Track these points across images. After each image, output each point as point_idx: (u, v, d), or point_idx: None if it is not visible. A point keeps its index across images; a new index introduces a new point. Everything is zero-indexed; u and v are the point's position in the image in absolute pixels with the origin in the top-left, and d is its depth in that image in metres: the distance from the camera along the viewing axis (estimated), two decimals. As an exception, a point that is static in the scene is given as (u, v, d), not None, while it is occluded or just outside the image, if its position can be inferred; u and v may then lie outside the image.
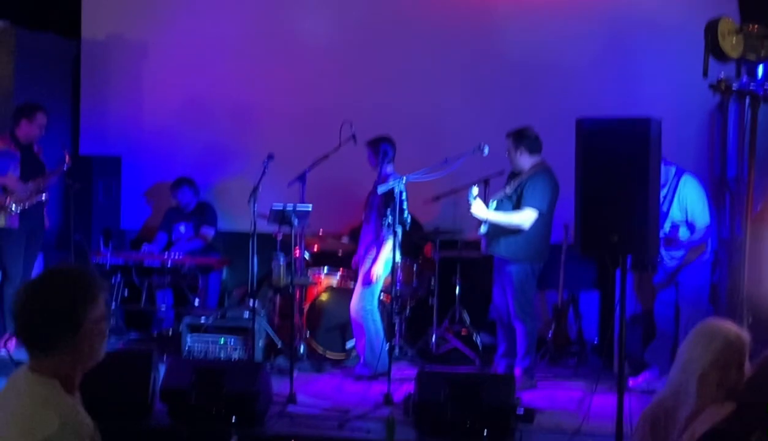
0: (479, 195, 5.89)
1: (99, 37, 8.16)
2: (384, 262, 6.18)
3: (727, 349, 2.73)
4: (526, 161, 5.98)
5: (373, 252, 6.24)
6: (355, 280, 6.42)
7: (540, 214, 5.86)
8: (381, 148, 6.26)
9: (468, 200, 5.84)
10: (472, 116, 7.27)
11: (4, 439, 2.19)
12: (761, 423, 2.54)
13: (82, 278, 2.26)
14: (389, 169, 6.28)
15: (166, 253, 7.36)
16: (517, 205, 5.92)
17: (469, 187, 5.90)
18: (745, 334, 2.79)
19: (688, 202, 5.80)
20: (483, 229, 5.98)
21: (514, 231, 5.88)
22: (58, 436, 2.16)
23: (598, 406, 5.39)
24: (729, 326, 2.80)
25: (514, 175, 6.07)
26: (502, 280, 6.05)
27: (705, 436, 2.63)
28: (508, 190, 5.96)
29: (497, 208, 5.96)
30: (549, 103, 7.11)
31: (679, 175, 5.85)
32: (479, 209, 5.87)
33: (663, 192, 5.69)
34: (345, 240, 7.31)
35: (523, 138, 5.96)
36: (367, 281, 6.21)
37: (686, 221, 5.81)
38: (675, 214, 5.81)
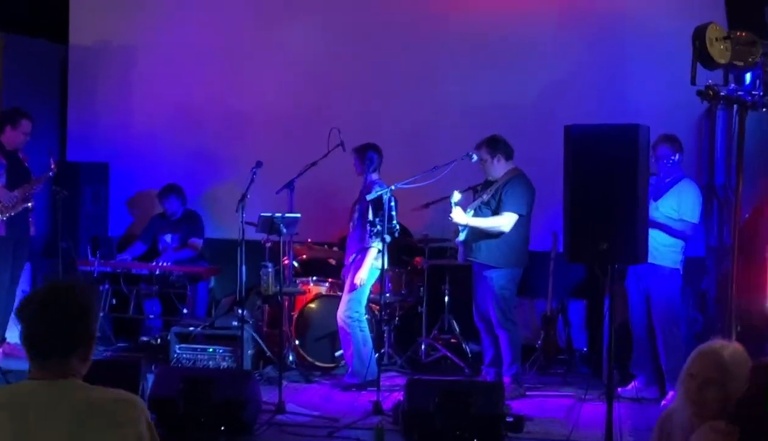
0: (462, 203, 5.88)
1: (87, 42, 8.13)
2: (369, 268, 6.16)
3: (703, 363, 2.70)
4: (502, 168, 6.01)
5: (358, 259, 6.22)
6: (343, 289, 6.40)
7: (520, 218, 5.88)
8: (367, 155, 6.26)
9: (450, 204, 5.83)
10: (460, 124, 7.26)
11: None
12: None
13: (90, 289, 2.40)
14: (374, 176, 6.27)
15: (154, 261, 7.31)
16: (496, 211, 5.93)
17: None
18: (736, 357, 2.69)
19: (682, 197, 5.70)
20: (462, 236, 5.97)
21: (494, 236, 5.88)
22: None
23: (587, 415, 5.41)
24: (721, 344, 2.76)
25: (487, 183, 6.07)
26: (483, 288, 6.04)
27: None
28: (485, 196, 5.96)
29: (475, 216, 5.95)
30: (537, 110, 7.12)
31: (682, 176, 5.81)
32: (459, 215, 5.86)
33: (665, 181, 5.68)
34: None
35: (498, 144, 5.99)
36: (352, 288, 6.19)
37: (677, 214, 5.73)
38: (668, 203, 5.70)
